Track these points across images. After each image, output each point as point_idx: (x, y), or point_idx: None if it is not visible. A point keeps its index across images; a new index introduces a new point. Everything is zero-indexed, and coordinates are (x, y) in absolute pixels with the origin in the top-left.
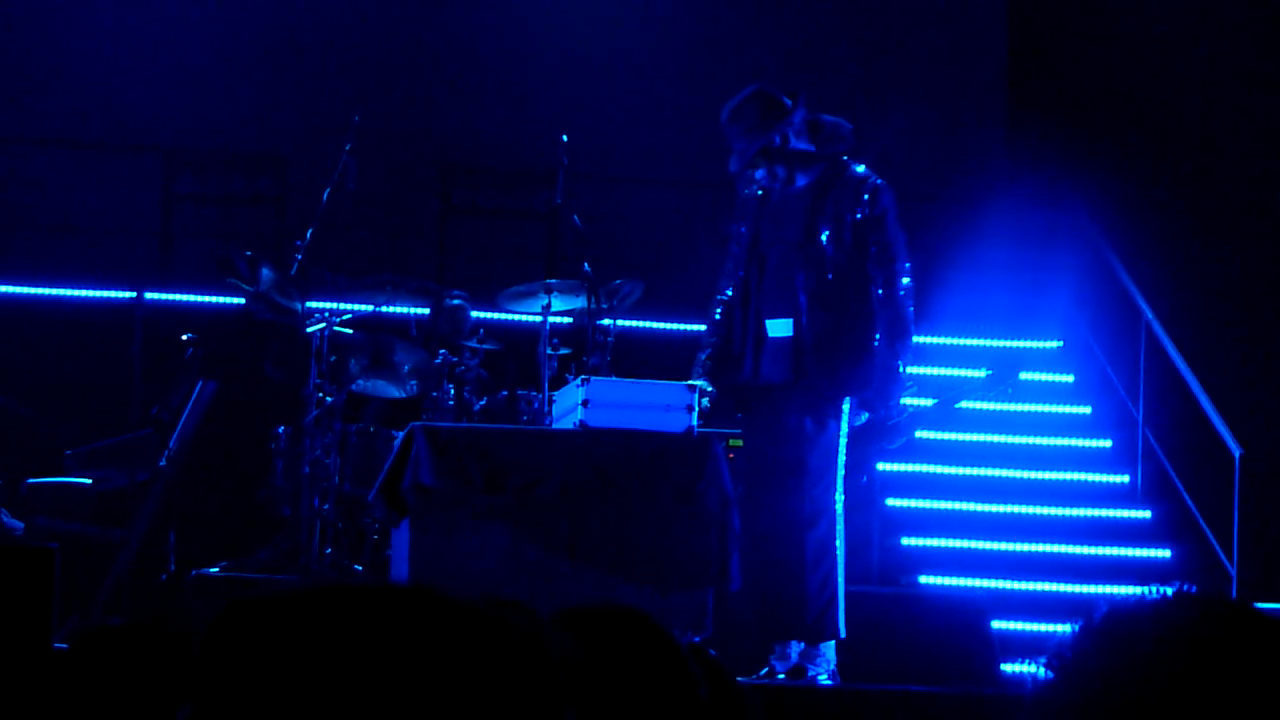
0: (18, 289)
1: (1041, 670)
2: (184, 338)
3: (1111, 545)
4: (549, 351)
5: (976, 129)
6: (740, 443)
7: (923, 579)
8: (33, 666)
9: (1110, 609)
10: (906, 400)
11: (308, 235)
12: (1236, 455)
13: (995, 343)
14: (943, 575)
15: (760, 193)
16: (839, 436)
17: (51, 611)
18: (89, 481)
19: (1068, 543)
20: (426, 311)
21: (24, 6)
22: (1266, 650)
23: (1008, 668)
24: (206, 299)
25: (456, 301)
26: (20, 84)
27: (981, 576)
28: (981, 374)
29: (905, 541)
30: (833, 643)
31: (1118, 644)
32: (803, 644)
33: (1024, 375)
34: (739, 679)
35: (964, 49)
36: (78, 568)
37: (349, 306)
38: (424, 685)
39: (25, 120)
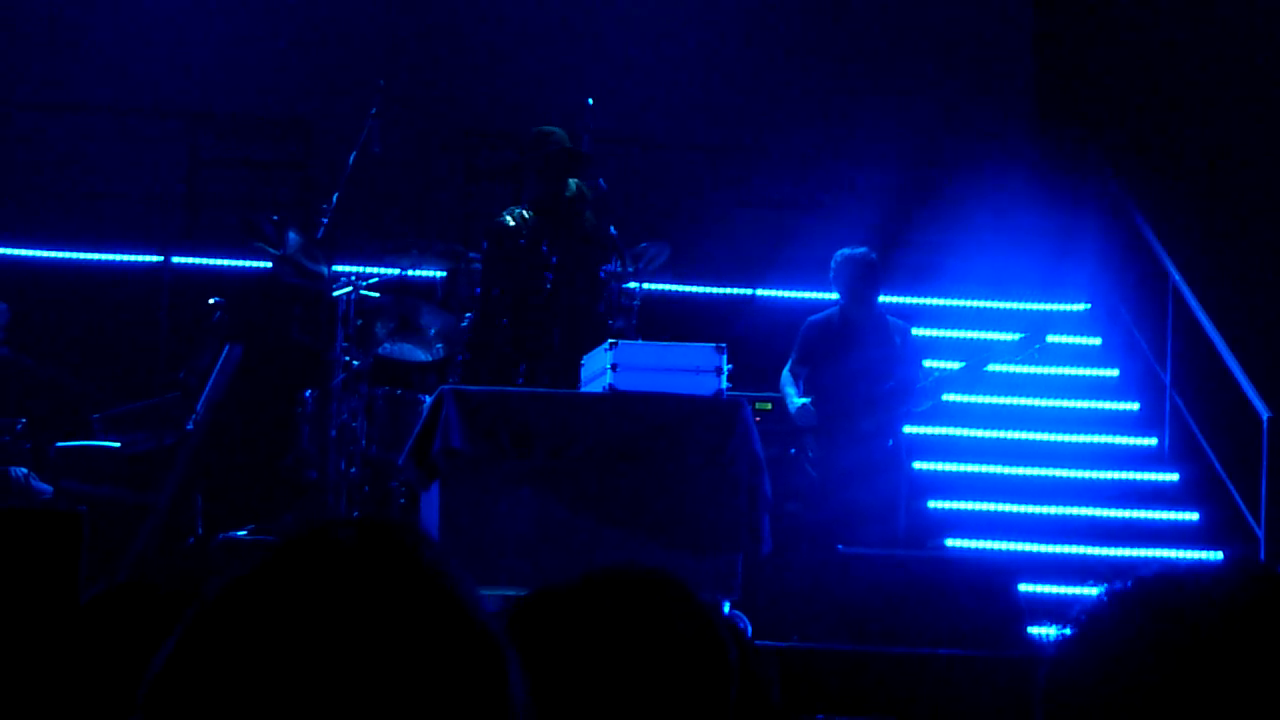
0: (45, 253)
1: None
2: (210, 301)
3: (1139, 508)
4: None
5: (1003, 93)
6: (769, 406)
7: (949, 542)
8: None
9: (1138, 573)
10: (934, 364)
11: (333, 199)
12: (1264, 417)
13: (1022, 305)
14: (969, 538)
15: None
16: None
17: (80, 575)
18: (117, 445)
19: (1095, 505)
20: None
21: None
22: None
23: (1034, 631)
24: (233, 263)
25: (478, 265)
26: (46, 49)
27: (1008, 539)
28: (1009, 337)
29: (932, 505)
30: None
31: (1144, 608)
32: None
33: (1051, 338)
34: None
35: (990, 13)
36: (106, 531)
37: (375, 270)
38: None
39: (51, 86)
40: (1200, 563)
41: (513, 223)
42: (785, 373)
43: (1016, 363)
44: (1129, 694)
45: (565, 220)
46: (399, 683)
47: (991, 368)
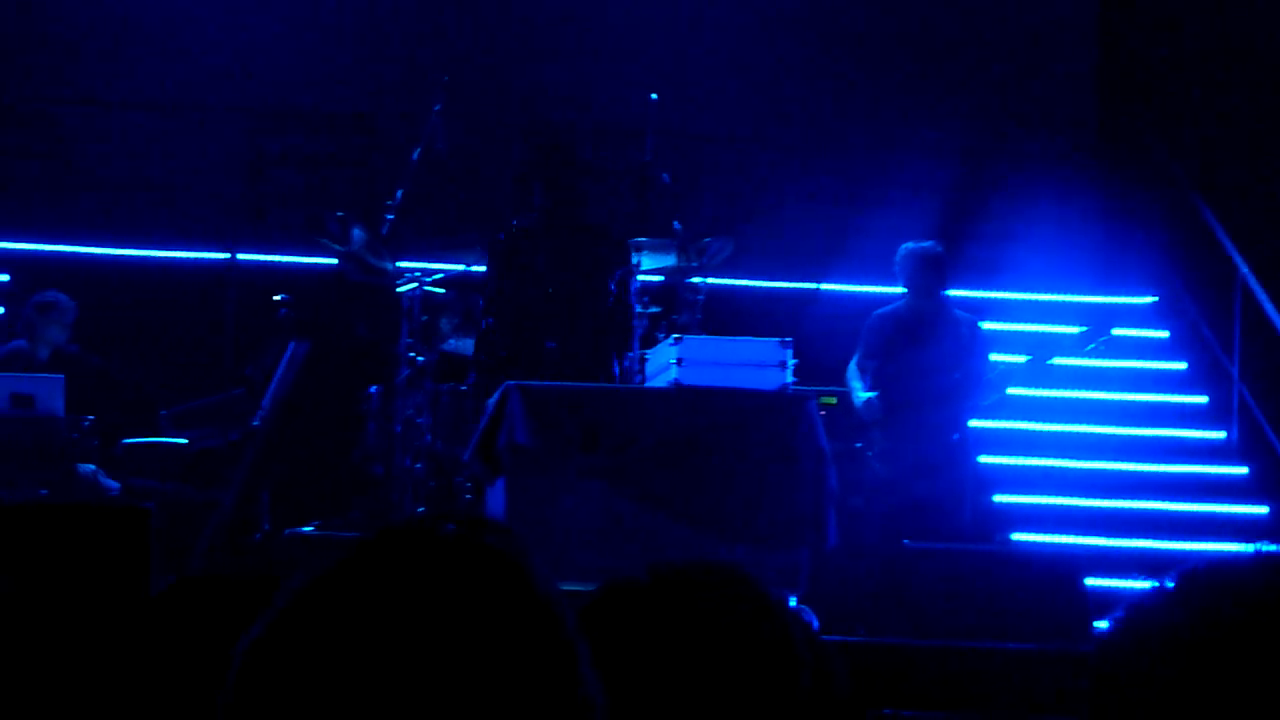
0: (111, 251)
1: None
2: (276, 298)
3: (1208, 501)
4: (639, 310)
5: (1066, 83)
6: (834, 400)
7: (1016, 536)
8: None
9: (1192, 565)
10: (998, 357)
11: (398, 195)
12: None
13: (1088, 299)
14: (1036, 532)
15: None
16: None
17: (148, 571)
18: (184, 441)
19: (1163, 499)
20: None
21: None
22: None
23: (1101, 625)
24: (298, 260)
25: None
26: (110, 47)
27: (1075, 533)
28: (1074, 330)
29: (998, 499)
30: None
31: (1190, 599)
32: None
33: (1117, 331)
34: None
35: (1052, 3)
36: (173, 527)
37: (440, 266)
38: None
39: (116, 83)
40: (1247, 554)
41: (503, 235)
42: (851, 366)
43: (1082, 356)
44: (1175, 684)
45: (557, 226)
46: (480, 675)
47: (1057, 361)
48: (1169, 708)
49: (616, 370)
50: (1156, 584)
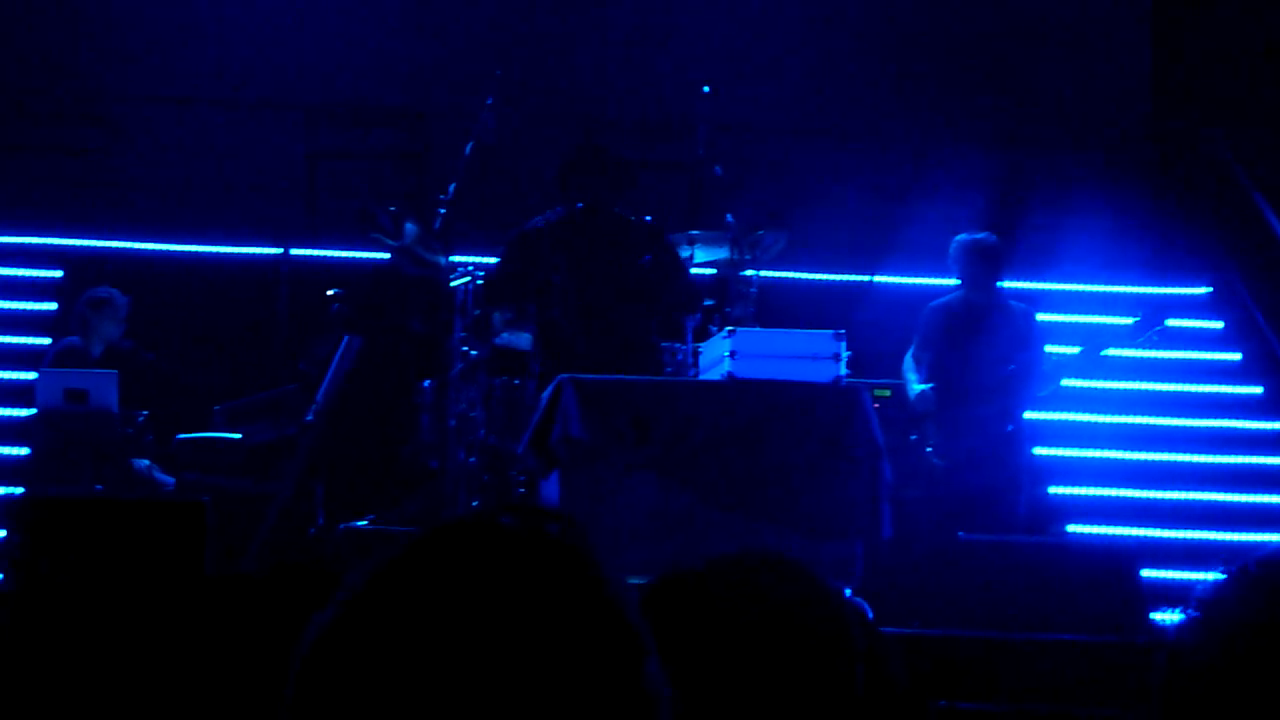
0: (165, 246)
1: (1180, 617)
2: (329, 293)
3: (1264, 492)
4: (685, 291)
5: (1121, 74)
6: (888, 392)
7: (1071, 527)
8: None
9: (1264, 554)
10: (1052, 349)
11: (450, 189)
12: None
13: (1142, 289)
14: (1091, 524)
15: None
16: None
17: (204, 565)
18: (238, 436)
19: (1219, 490)
20: None
21: None
22: None
23: (1158, 616)
24: (351, 254)
25: None
26: (164, 44)
27: (1131, 525)
28: (1127, 321)
29: (1053, 490)
30: None
31: (1263, 589)
32: None
33: (1171, 322)
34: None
35: None
36: (228, 522)
37: (493, 260)
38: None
39: (172, 80)
40: None
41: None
42: (908, 358)
43: (1136, 347)
44: (1250, 676)
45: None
46: (546, 666)
47: (1110, 352)
48: (1244, 697)
49: (665, 359)
50: (1227, 573)
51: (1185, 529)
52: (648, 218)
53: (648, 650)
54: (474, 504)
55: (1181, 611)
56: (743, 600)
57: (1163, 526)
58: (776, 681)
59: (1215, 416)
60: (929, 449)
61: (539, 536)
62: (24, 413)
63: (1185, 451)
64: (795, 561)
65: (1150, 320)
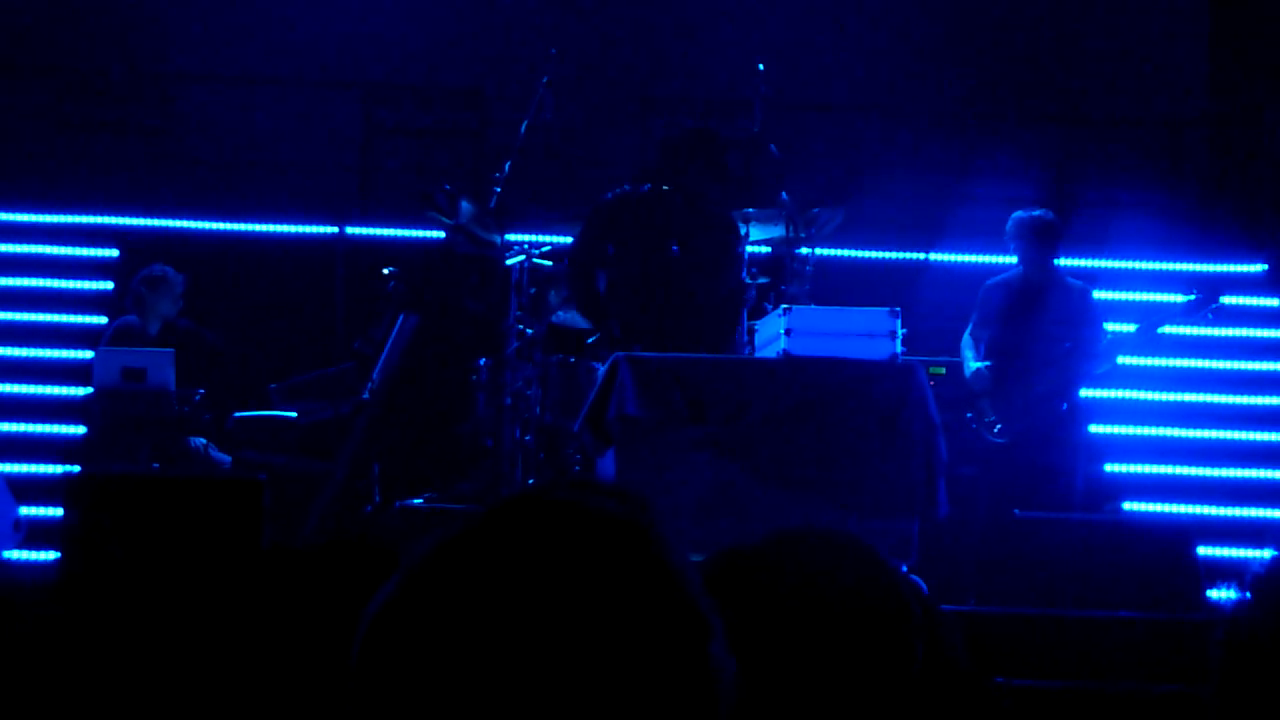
0: (222, 225)
1: (1237, 594)
2: (385, 271)
3: None
4: (748, 280)
5: (1178, 51)
6: (943, 370)
7: (1127, 505)
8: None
9: None
10: (1108, 326)
11: (505, 168)
12: None
13: (1197, 266)
14: (1147, 501)
15: None
16: None
17: (261, 543)
18: (294, 415)
19: (1276, 467)
20: None
21: None
22: None
23: (1213, 594)
24: (407, 233)
25: None
26: (221, 22)
27: (1186, 502)
28: (1180, 299)
29: (1109, 468)
30: None
31: None
32: None
33: (1227, 299)
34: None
35: None
36: (284, 500)
37: (548, 238)
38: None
39: (228, 59)
40: None
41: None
42: (965, 336)
43: (1192, 324)
44: None
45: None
46: (610, 642)
47: (1166, 330)
48: None
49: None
50: (1274, 554)
51: (1242, 506)
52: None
53: (713, 627)
54: (530, 482)
55: (1237, 589)
56: (803, 576)
57: (1219, 504)
58: (836, 657)
59: (1271, 394)
60: (985, 425)
61: (603, 513)
62: (82, 391)
63: (1241, 429)
64: (855, 538)
65: (1206, 298)
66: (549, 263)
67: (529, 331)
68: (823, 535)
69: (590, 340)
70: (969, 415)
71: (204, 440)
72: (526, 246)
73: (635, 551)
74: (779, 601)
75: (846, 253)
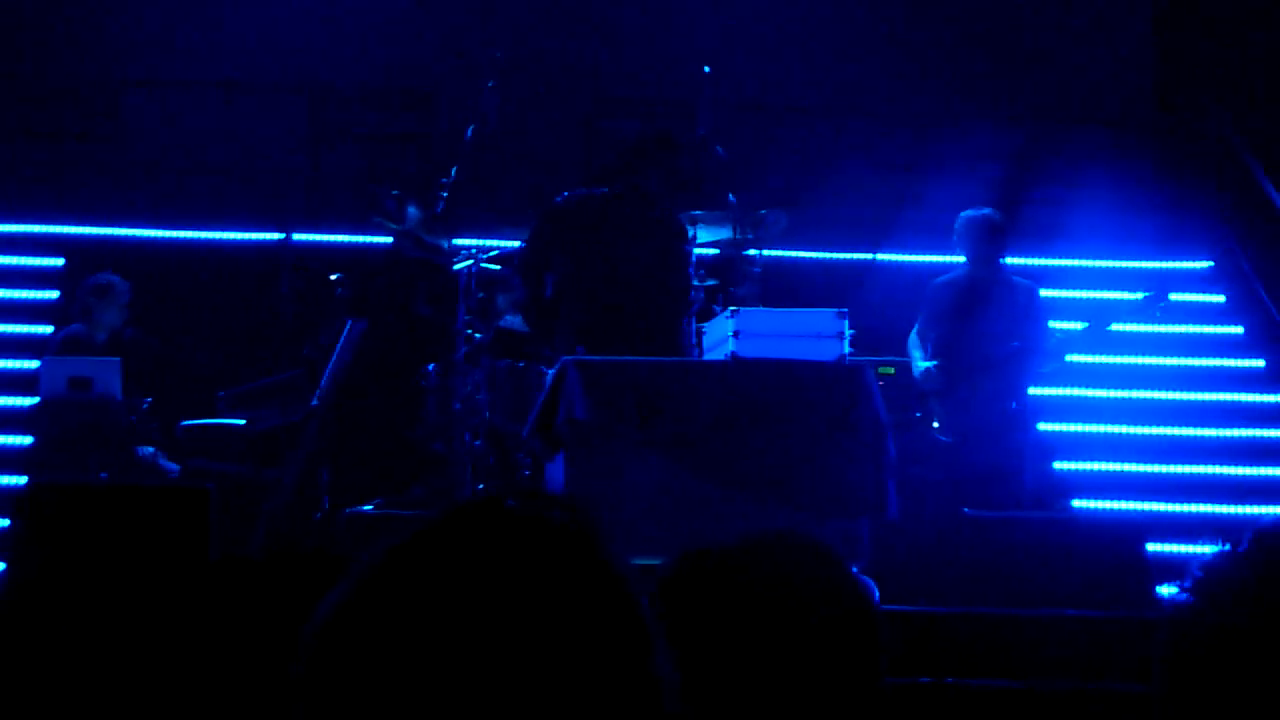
0: (167, 233)
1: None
2: (332, 277)
3: (1268, 465)
4: (695, 283)
5: (1124, 50)
6: (892, 370)
7: (1076, 503)
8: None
9: (1263, 527)
10: (1056, 324)
11: (453, 172)
12: None
13: (1144, 264)
14: (1096, 499)
15: None
16: None
17: (209, 552)
18: (242, 422)
19: (1223, 464)
20: None
21: None
22: None
23: (1163, 590)
24: (354, 238)
25: None
26: (162, 26)
27: (1135, 499)
28: (1131, 296)
29: (1058, 466)
30: None
31: (1261, 562)
32: None
33: (1174, 296)
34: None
35: None
36: (233, 508)
37: (496, 242)
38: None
39: (172, 62)
40: None
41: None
42: (912, 335)
43: (1140, 322)
44: (1250, 648)
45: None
46: (553, 651)
47: (1115, 327)
48: (1244, 669)
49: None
50: (1227, 547)
51: (1190, 502)
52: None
53: (655, 635)
54: (480, 487)
55: (1180, 585)
56: (773, 581)
57: (1167, 500)
58: (804, 664)
59: (1218, 390)
60: (934, 426)
61: (547, 522)
62: (28, 401)
63: (1189, 425)
64: (822, 543)
65: (1154, 295)
66: (497, 267)
67: (478, 336)
68: (791, 540)
69: (528, 346)
70: (918, 414)
71: (152, 449)
72: (474, 251)
73: (580, 561)
74: (749, 605)
75: (794, 254)
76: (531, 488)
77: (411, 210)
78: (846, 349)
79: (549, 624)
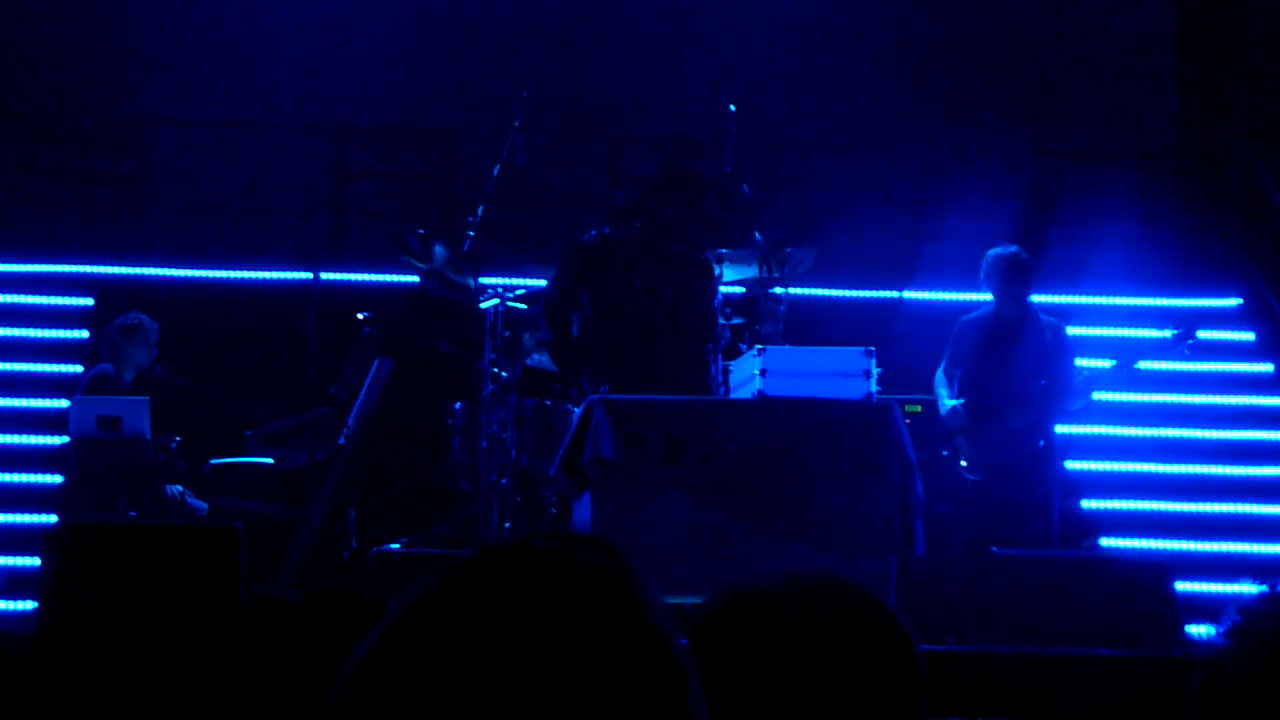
0: (194, 272)
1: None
2: (359, 316)
3: None
4: (722, 321)
5: (1147, 85)
6: (919, 408)
7: (1104, 541)
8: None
9: None
10: (1083, 362)
11: (479, 211)
12: None
13: (1172, 302)
14: (1124, 537)
15: None
16: None
17: (238, 591)
18: (270, 461)
19: (1253, 502)
20: None
21: None
22: None
23: (1193, 630)
24: (380, 278)
25: None
26: (193, 68)
27: (1164, 538)
28: (1159, 334)
29: (1086, 504)
30: None
31: None
32: None
33: (1202, 334)
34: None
35: (1134, 3)
36: (261, 547)
37: (522, 281)
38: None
39: (199, 104)
40: None
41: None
42: (939, 373)
43: (1168, 360)
44: None
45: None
46: (588, 695)
47: (1142, 365)
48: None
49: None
50: (1264, 589)
51: (1220, 541)
52: (707, 255)
53: (691, 678)
54: (506, 526)
55: (1215, 627)
56: (813, 623)
57: (1196, 539)
58: (845, 708)
59: (1247, 428)
60: (961, 464)
61: (576, 563)
62: (58, 440)
63: (1218, 464)
64: (860, 585)
65: (1182, 333)
66: (523, 306)
67: (504, 375)
68: (830, 579)
69: (555, 385)
70: (945, 453)
71: (180, 488)
72: (500, 289)
73: (612, 601)
74: (790, 646)
75: (820, 292)
76: (559, 527)
77: (437, 249)
78: (874, 387)
79: (582, 667)
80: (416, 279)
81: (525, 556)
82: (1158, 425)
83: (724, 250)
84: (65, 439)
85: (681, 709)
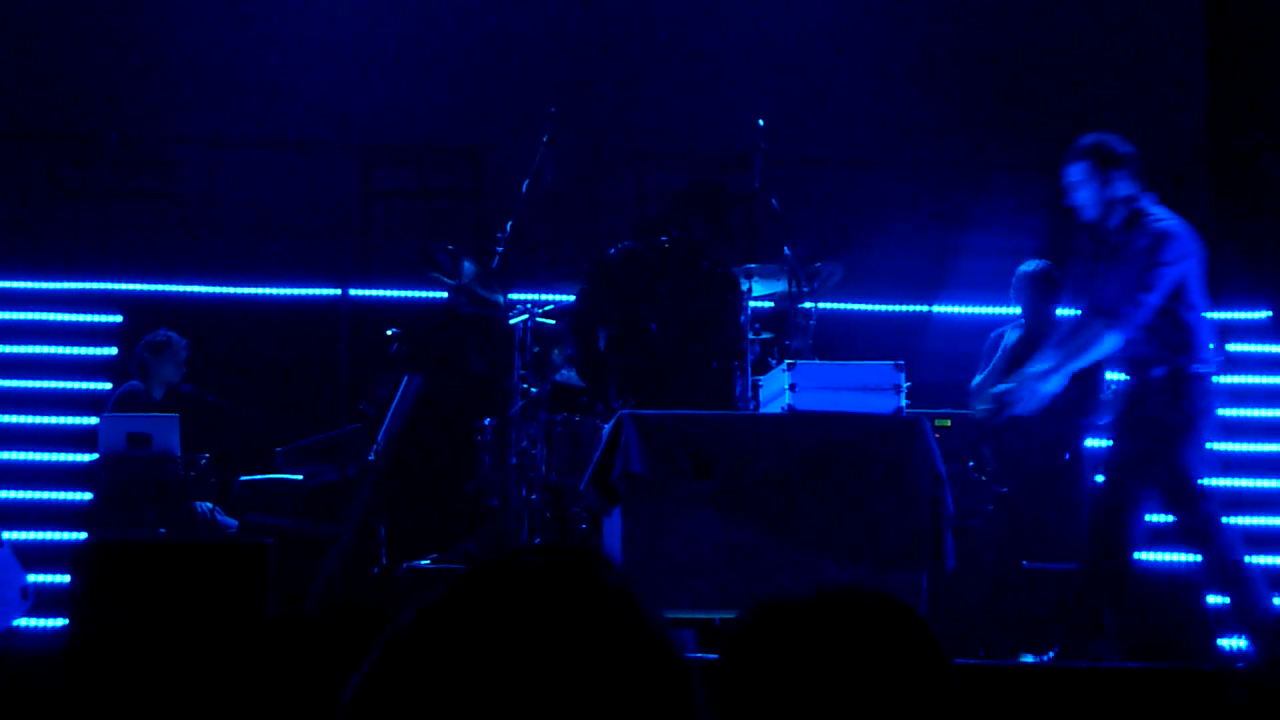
0: (226, 289)
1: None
2: (389, 333)
3: None
4: (750, 336)
5: (1175, 95)
6: (948, 422)
7: (1135, 554)
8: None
9: None
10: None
11: (507, 227)
12: None
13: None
14: (1155, 550)
15: None
16: None
17: (268, 607)
18: (300, 478)
19: None
20: None
21: (224, 10)
22: None
23: (1224, 643)
24: (409, 294)
25: None
26: (221, 86)
27: (1195, 550)
28: None
29: None
30: None
31: None
32: None
33: (1232, 347)
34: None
35: (1162, 13)
36: (291, 563)
37: (551, 297)
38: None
39: (227, 122)
40: None
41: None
42: (974, 385)
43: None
44: None
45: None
46: (586, 703)
47: None
48: None
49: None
50: None
51: (1253, 554)
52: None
53: (693, 689)
54: (536, 541)
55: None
56: (850, 637)
57: None
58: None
59: (1277, 440)
60: (990, 478)
61: (574, 578)
62: (87, 457)
63: (1248, 476)
64: (899, 601)
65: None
66: (552, 321)
67: (533, 390)
68: (866, 594)
69: (582, 400)
70: (970, 464)
71: (210, 504)
72: (529, 305)
73: (608, 613)
74: (827, 660)
75: (849, 306)
76: (564, 543)
77: (466, 265)
78: (903, 401)
79: (581, 681)
80: (445, 295)
81: (513, 572)
82: None
83: (753, 265)
84: (95, 456)
85: (686, 713)
